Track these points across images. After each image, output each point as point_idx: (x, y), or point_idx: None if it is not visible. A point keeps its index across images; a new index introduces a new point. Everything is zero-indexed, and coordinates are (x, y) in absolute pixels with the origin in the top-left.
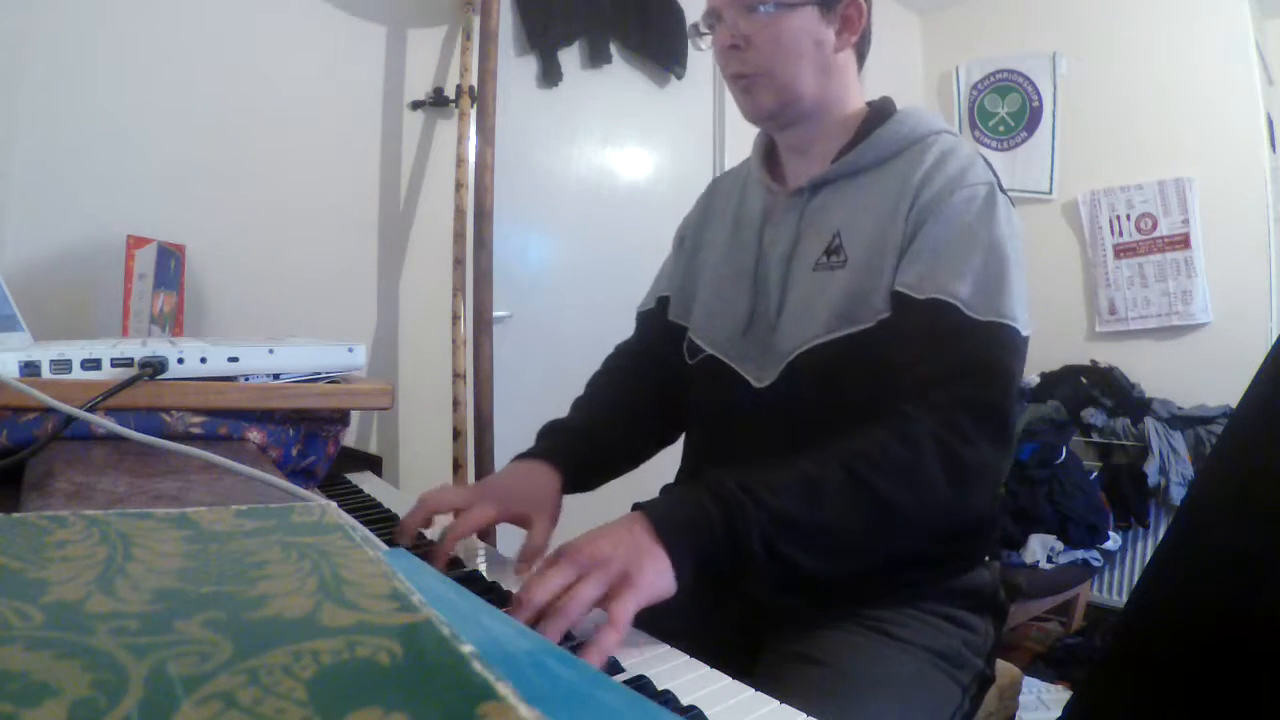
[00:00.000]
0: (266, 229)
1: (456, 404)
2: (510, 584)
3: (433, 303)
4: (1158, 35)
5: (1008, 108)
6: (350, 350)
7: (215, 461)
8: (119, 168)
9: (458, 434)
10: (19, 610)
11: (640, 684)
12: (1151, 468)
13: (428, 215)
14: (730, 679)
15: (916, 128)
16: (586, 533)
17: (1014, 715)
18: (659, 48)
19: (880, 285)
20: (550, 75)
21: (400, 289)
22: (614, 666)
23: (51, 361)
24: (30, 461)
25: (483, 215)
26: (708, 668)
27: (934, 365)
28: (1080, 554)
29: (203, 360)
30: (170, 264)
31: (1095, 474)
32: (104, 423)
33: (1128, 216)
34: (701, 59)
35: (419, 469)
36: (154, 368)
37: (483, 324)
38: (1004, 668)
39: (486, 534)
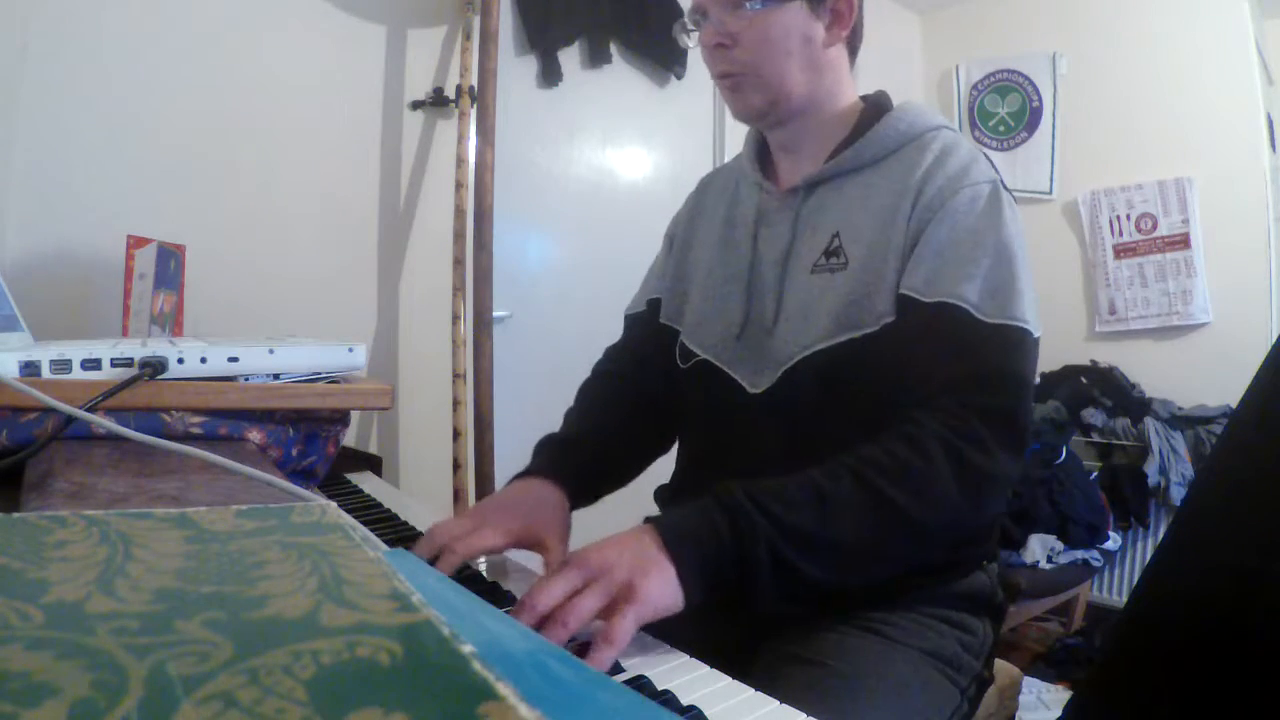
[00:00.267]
0: (266, 229)
1: (456, 404)
2: (510, 585)
3: (433, 303)
4: (1158, 35)
5: (1008, 108)
6: (350, 350)
7: (215, 461)
8: (119, 168)
9: (458, 434)
10: (19, 610)
11: (640, 684)
12: (1151, 468)
13: (428, 215)
14: (730, 679)
15: (915, 124)
16: (595, 542)
17: (1014, 715)
18: (659, 48)
19: (882, 288)
20: (550, 75)
21: (400, 289)
22: (614, 667)
23: (51, 361)
24: (30, 461)
25: (483, 215)
26: (708, 668)
27: (945, 371)
28: (1080, 554)
29: (203, 360)
30: (170, 264)
31: (1095, 474)
32: (104, 423)
33: (1128, 216)
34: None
35: (419, 469)
36: (154, 368)
37: (483, 324)
38: (1004, 668)
39: None
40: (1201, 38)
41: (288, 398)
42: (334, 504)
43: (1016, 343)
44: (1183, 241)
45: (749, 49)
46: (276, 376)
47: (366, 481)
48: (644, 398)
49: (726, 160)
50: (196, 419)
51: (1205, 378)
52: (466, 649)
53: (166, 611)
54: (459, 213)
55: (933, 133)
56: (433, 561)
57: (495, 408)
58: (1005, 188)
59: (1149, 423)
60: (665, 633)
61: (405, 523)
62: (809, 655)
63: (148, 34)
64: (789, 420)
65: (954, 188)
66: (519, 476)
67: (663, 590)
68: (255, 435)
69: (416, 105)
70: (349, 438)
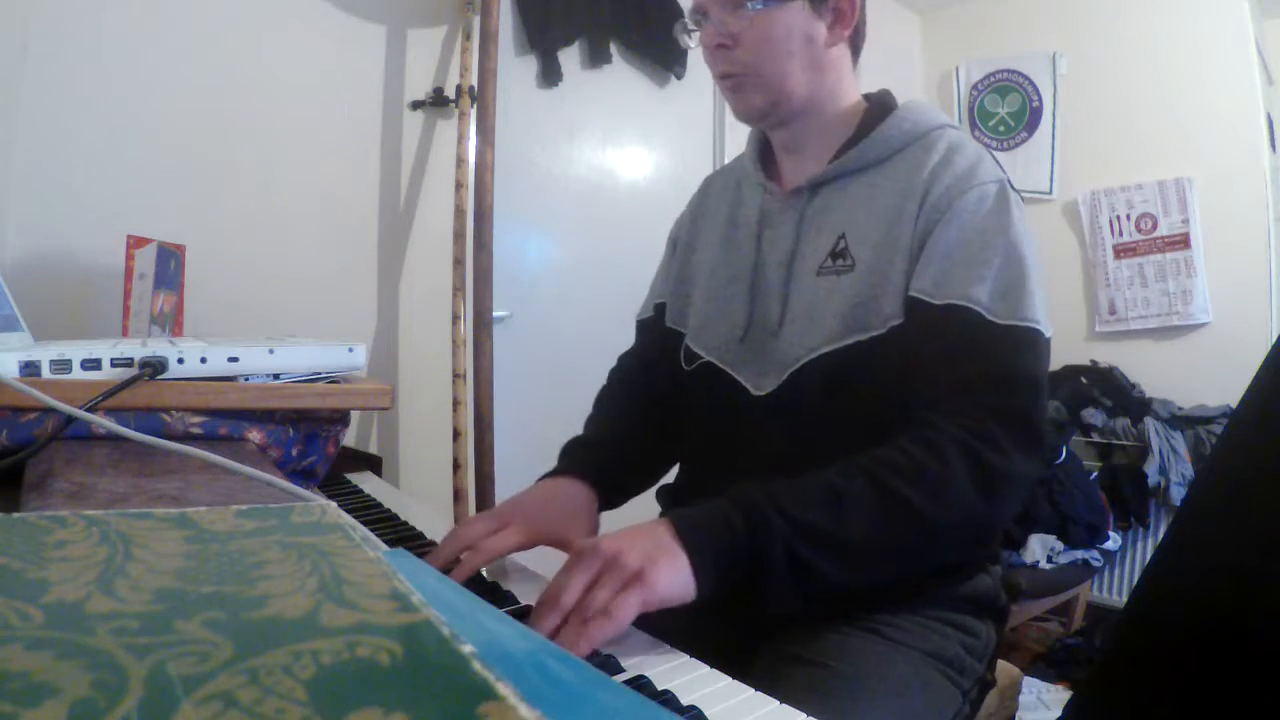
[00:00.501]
0: (266, 229)
1: (456, 404)
2: (510, 584)
3: (433, 303)
4: (1158, 35)
5: (1008, 108)
6: (350, 350)
7: (215, 461)
8: (119, 168)
9: (458, 434)
10: (19, 610)
11: (640, 684)
12: (1151, 468)
13: (428, 215)
14: (730, 679)
15: (919, 123)
16: (610, 533)
17: (1014, 715)
18: (659, 48)
19: (890, 290)
20: (550, 75)
21: (400, 289)
22: (614, 667)
23: (51, 361)
24: (30, 461)
25: (483, 215)
26: (708, 668)
27: (957, 373)
28: (1080, 554)
29: (203, 360)
30: (170, 264)
31: (1095, 474)
32: (104, 423)
33: (1128, 216)
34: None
35: (419, 469)
36: (154, 368)
37: (483, 324)
38: (1004, 668)
39: None
40: (1201, 38)
41: (288, 398)
42: (334, 504)
43: (1028, 343)
44: (1183, 241)
45: (750, 49)
46: (276, 376)
47: (366, 481)
48: (659, 400)
49: (727, 160)
50: (196, 419)
51: (1205, 378)
52: (466, 649)
53: (166, 611)
54: (459, 213)
55: (937, 132)
56: (453, 565)
57: (495, 408)
58: (1012, 187)
59: (1149, 423)
60: (665, 633)
61: (405, 523)
62: (810, 656)
63: (148, 34)
64: (793, 423)
65: (961, 188)
66: (546, 476)
67: (673, 579)
68: (255, 435)
69: (416, 105)
70: (349, 438)
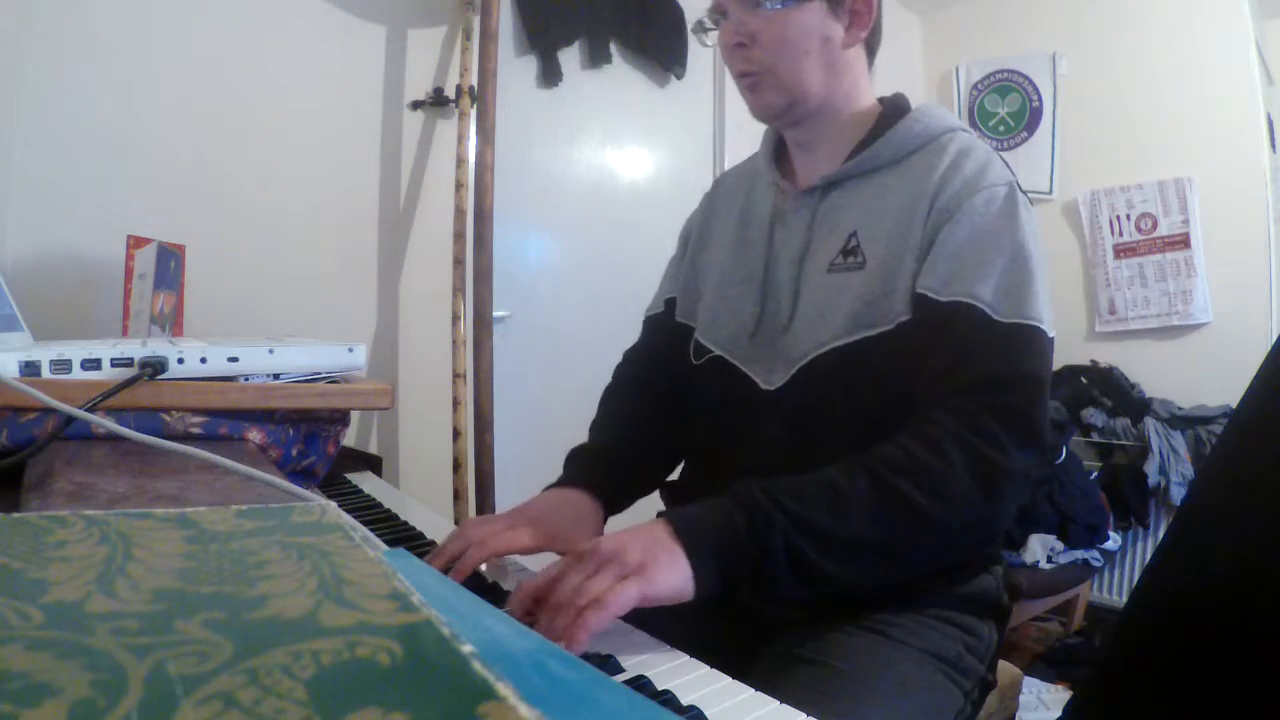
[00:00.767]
0: (266, 229)
1: (456, 404)
2: (510, 584)
3: (433, 303)
4: (1158, 35)
5: (1008, 108)
6: (350, 350)
7: (215, 461)
8: (119, 168)
9: (458, 434)
10: (19, 610)
11: (640, 684)
12: (1151, 468)
13: (428, 215)
14: (730, 679)
15: (932, 126)
16: (609, 534)
17: (1014, 715)
18: (659, 48)
19: (899, 287)
20: (550, 75)
21: (400, 289)
22: (614, 667)
23: (51, 361)
24: (30, 461)
25: (483, 215)
26: (708, 668)
27: (959, 370)
28: (1080, 554)
29: (203, 360)
30: (170, 264)
31: (1095, 474)
32: (104, 423)
33: (1128, 216)
34: (701, 59)
35: (419, 469)
36: (154, 368)
37: (483, 324)
38: (1004, 668)
39: None
40: (1201, 38)
41: (288, 398)
42: (334, 504)
43: (1031, 341)
44: (1183, 241)
45: (768, 48)
46: (276, 376)
47: (366, 481)
48: (665, 399)
49: (726, 160)
50: (196, 419)
51: (1205, 378)
52: (466, 649)
53: (166, 611)
54: (459, 213)
55: (949, 135)
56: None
57: (495, 408)
58: (1021, 189)
59: (1149, 423)
60: (665, 633)
61: (405, 523)
62: (811, 655)
63: (148, 34)
64: (801, 418)
65: (971, 190)
66: (551, 487)
67: (673, 576)
68: (255, 435)
69: (416, 105)
70: (349, 438)
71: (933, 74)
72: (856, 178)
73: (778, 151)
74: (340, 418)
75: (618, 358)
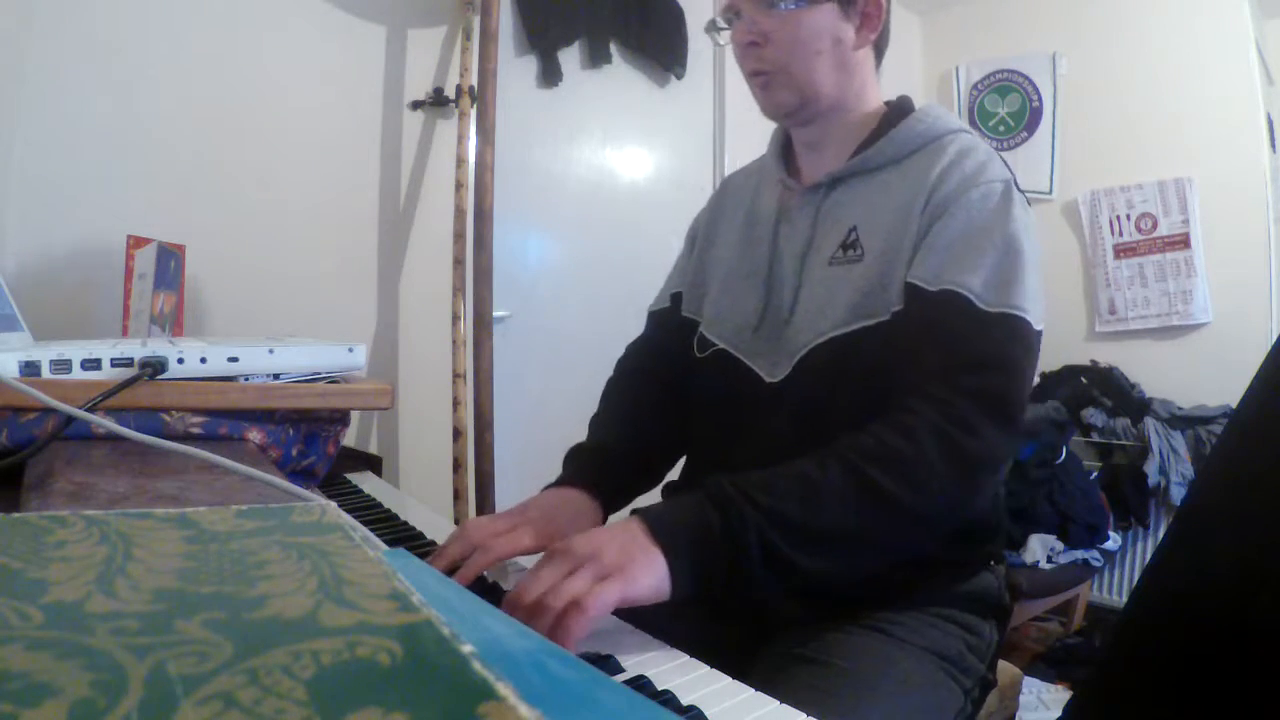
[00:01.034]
0: (266, 229)
1: (456, 404)
2: (509, 585)
3: (433, 303)
4: (1158, 35)
5: (1008, 108)
6: (350, 350)
7: (215, 461)
8: (119, 168)
9: (458, 434)
10: (19, 610)
11: (640, 684)
12: (1151, 468)
13: (428, 215)
14: (730, 679)
15: (934, 126)
16: (583, 533)
17: (1014, 715)
18: (659, 48)
19: (895, 279)
20: (550, 75)
21: (400, 289)
22: (614, 667)
23: (51, 361)
24: (30, 461)
25: (483, 215)
26: (708, 668)
27: (941, 357)
28: (1080, 554)
29: (203, 360)
30: (170, 264)
31: (1095, 474)
32: (104, 423)
33: (1128, 216)
34: (701, 59)
35: (419, 469)
36: (154, 368)
37: (483, 324)
38: (1004, 668)
39: None
40: (1201, 38)
41: (288, 398)
42: (334, 504)
43: (1014, 330)
44: (1183, 241)
45: (781, 48)
46: (276, 376)
47: (366, 481)
48: (669, 393)
49: (726, 159)
50: (196, 419)
51: (1205, 378)
52: (466, 649)
53: (166, 611)
54: (459, 213)
55: (951, 135)
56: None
57: (495, 408)
58: (1019, 188)
59: (1149, 423)
60: (665, 633)
61: (405, 523)
62: (812, 654)
63: (148, 34)
64: (804, 409)
65: (968, 185)
66: (550, 487)
67: (651, 576)
68: (255, 435)
69: (416, 105)
70: (349, 438)
71: (933, 74)
72: (859, 175)
73: (785, 150)
74: (340, 418)
75: (618, 356)
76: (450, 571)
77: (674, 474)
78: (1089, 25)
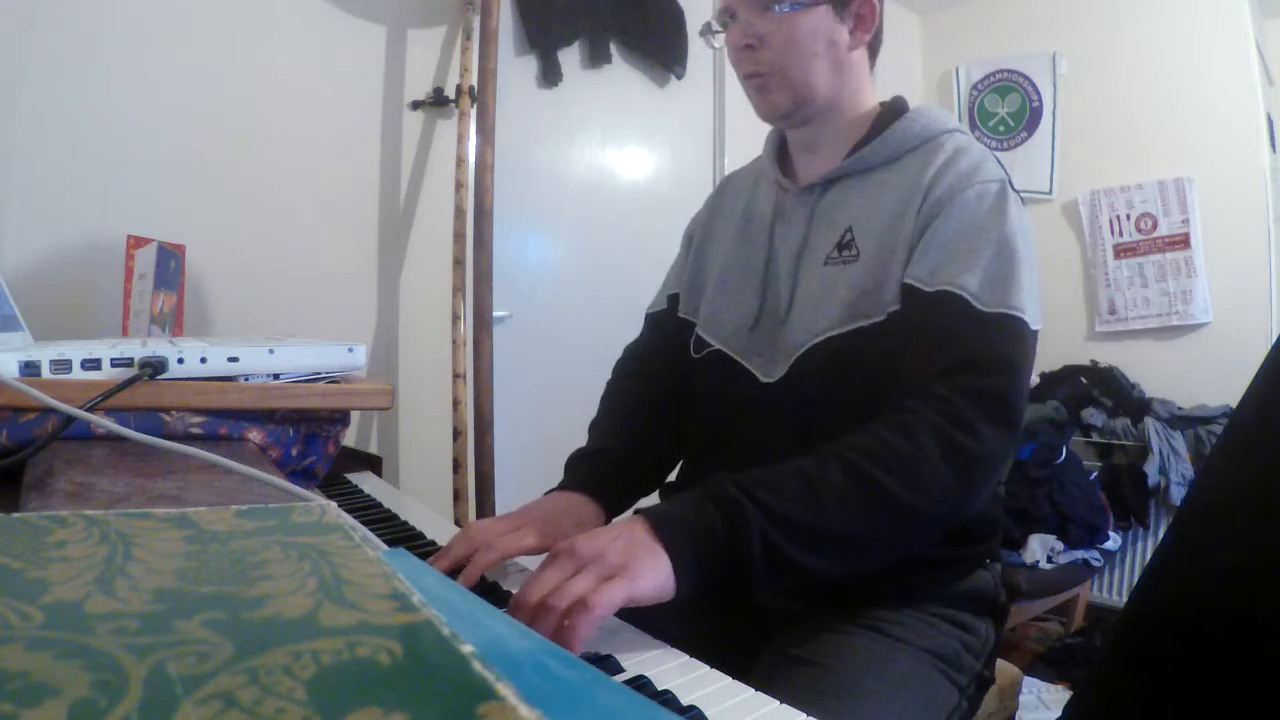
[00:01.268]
0: (266, 229)
1: (456, 404)
2: (509, 585)
3: (433, 303)
4: (1158, 35)
5: (1008, 108)
6: (350, 350)
7: (215, 461)
8: (119, 168)
9: (458, 434)
10: (19, 610)
11: (640, 684)
12: (1151, 468)
13: (428, 215)
14: (730, 679)
15: (929, 126)
16: (586, 532)
17: (1014, 715)
18: (659, 48)
19: (891, 279)
20: (550, 75)
21: (400, 289)
22: (614, 667)
23: (51, 361)
24: (30, 461)
25: (483, 215)
26: (708, 668)
27: (939, 357)
28: (1080, 554)
29: (203, 360)
30: (170, 264)
31: (1095, 474)
32: (104, 423)
33: (1128, 216)
34: (701, 59)
35: (419, 469)
36: (154, 368)
37: (483, 324)
38: (1004, 668)
39: None
40: (1201, 38)
41: (288, 398)
42: (334, 504)
43: (1011, 330)
44: (1183, 241)
45: (777, 50)
46: (276, 376)
47: (366, 481)
48: (667, 395)
49: (726, 159)
50: (196, 419)
51: (1205, 378)
52: (466, 649)
53: (166, 611)
54: (459, 213)
55: (946, 135)
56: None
57: (495, 408)
58: (1014, 188)
59: (1149, 423)
60: (666, 633)
61: (405, 523)
62: (808, 655)
63: (148, 34)
64: (800, 410)
65: (962, 185)
66: (553, 492)
67: (654, 575)
68: (255, 435)
69: (416, 105)
70: (349, 438)
71: (933, 74)
72: (854, 175)
73: (780, 151)
74: (340, 418)
75: (618, 357)
76: (453, 572)
77: (672, 475)
78: (1089, 25)
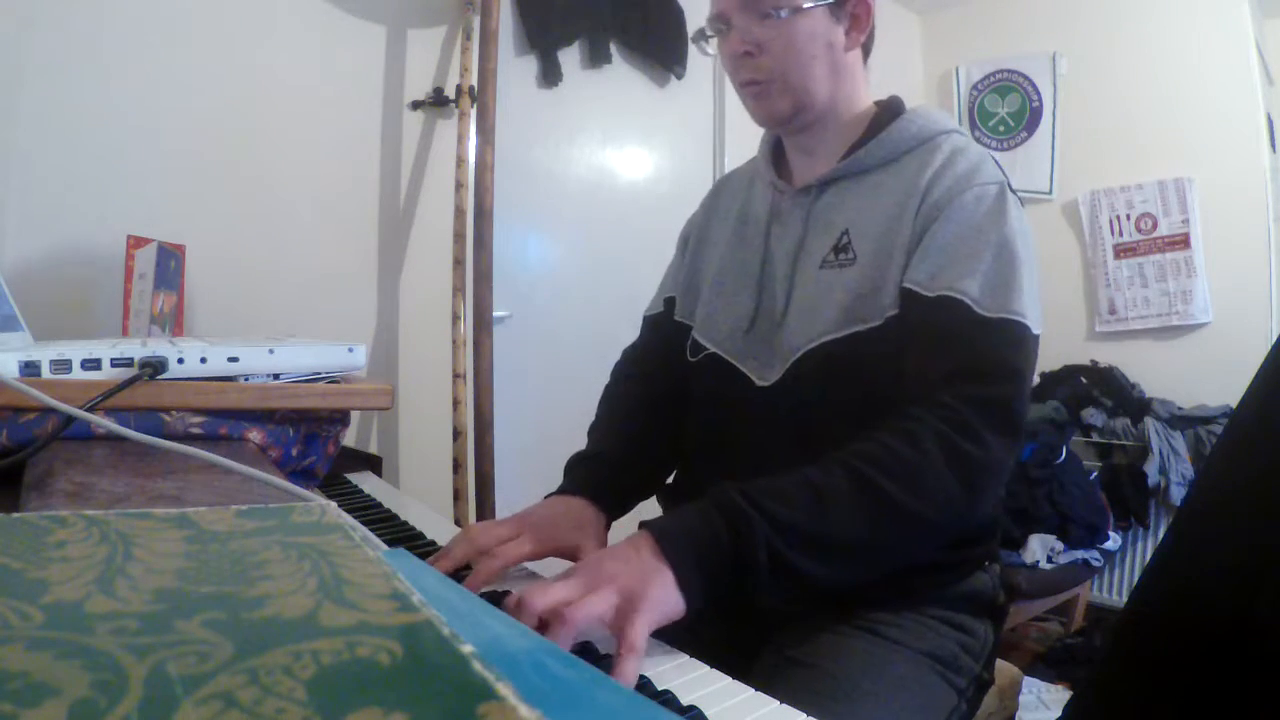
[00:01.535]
0: (266, 229)
1: (456, 404)
2: (509, 585)
3: (433, 303)
4: (1158, 36)
5: (1008, 108)
6: (350, 350)
7: (215, 461)
8: (119, 168)
9: (458, 434)
10: (19, 610)
11: (640, 684)
12: (1151, 468)
13: (428, 215)
14: (730, 679)
15: (926, 127)
16: (593, 555)
17: (1014, 715)
18: (659, 48)
19: (889, 283)
20: (550, 75)
21: (400, 289)
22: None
23: (51, 361)
24: (30, 461)
25: (483, 215)
26: (708, 668)
27: (942, 363)
28: (1080, 554)
29: (203, 360)
30: (170, 264)
31: (1095, 474)
32: (104, 423)
33: (1128, 216)
34: (701, 59)
35: (419, 469)
36: (154, 368)
37: (483, 324)
38: (1004, 668)
39: None
40: (1201, 38)
41: (288, 398)
42: (334, 504)
43: (1013, 336)
44: (1183, 241)
45: (776, 56)
46: (276, 376)
47: (366, 481)
48: (665, 397)
49: (726, 160)
50: (196, 419)
51: (1205, 378)
52: (466, 649)
53: (166, 611)
54: (459, 213)
55: (943, 136)
56: (467, 566)
57: (495, 408)
58: (1012, 190)
59: (1149, 423)
60: (665, 633)
61: (405, 523)
62: (806, 657)
63: (148, 34)
64: (796, 413)
65: (960, 188)
66: (552, 495)
67: (666, 597)
68: (255, 435)
69: (416, 105)
70: (349, 438)
71: (933, 74)
72: (850, 177)
73: (776, 152)
74: (340, 418)
75: (617, 357)
76: (454, 574)
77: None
78: (1089, 25)
